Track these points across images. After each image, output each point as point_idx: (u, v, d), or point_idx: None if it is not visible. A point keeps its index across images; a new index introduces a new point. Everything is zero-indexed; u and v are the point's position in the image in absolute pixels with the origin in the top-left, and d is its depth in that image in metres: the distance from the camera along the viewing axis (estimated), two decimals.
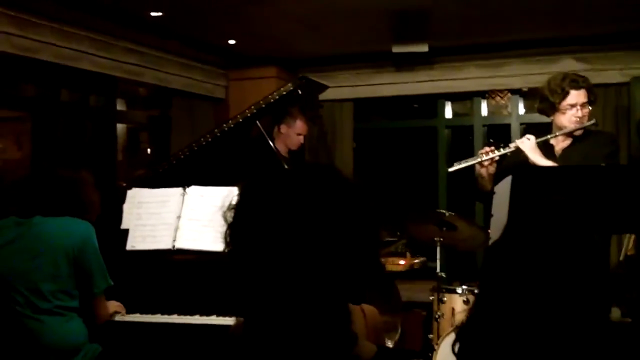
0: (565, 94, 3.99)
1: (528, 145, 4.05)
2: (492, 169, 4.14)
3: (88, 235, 3.31)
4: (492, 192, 3.98)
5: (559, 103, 4.00)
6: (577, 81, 4.01)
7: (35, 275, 3.19)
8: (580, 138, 4.10)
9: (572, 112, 3.99)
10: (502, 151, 4.12)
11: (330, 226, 1.25)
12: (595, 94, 4.11)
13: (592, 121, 4.05)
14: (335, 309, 1.27)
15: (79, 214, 3.36)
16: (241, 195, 1.31)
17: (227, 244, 1.30)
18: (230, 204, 1.31)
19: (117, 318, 3.61)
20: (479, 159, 4.13)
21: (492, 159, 4.11)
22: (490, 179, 4.13)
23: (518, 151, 4.09)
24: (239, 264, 1.28)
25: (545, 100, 4.08)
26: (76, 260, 3.24)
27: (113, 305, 3.60)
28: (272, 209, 1.26)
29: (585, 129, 4.05)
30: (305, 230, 1.24)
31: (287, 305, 1.24)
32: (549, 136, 4.10)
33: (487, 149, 4.17)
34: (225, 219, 1.30)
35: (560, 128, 4.08)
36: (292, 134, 5.18)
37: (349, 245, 1.26)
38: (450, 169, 4.29)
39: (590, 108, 4.04)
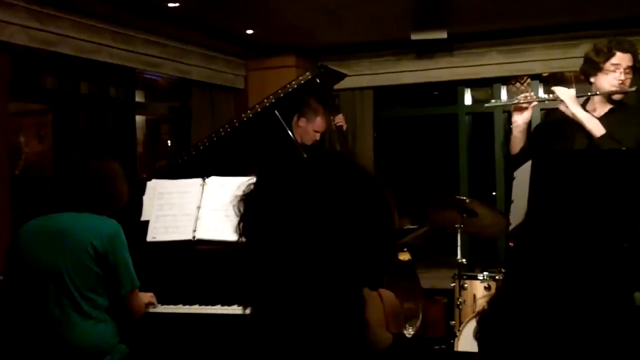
0: (610, 55, 3.98)
1: (568, 94, 4.03)
2: (527, 115, 4.14)
3: (116, 236, 3.29)
4: (524, 152, 4.02)
5: (604, 63, 3.99)
6: (623, 44, 4.01)
7: (63, 274, 3.18)
8: (617, 109, 4.07)
9: (616, 75, 3.97)
10: (541, 96, 4.16)
11: (343, 212, 1.24)
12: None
13: (633, 88, 4.03)
14: (348, 296, 1.26)
15: (109, 206, 3.36)
16: (256, 182, 1.31)
17: (241, 231, 1.30)
18: (242, 195, 1.31)
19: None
20: (517, 100, 4.15)
21: (529, 102, 4.11)
22: (524, 132, 4.15)
23: (557, 111, 4.10)
24: (253, 251, 1.28)
25: (589, 61, 4.08)
26: (103, 260, 3.22)
27: (146, 297, 3.60)
28: (286, 196, 1.26)
29: (625, 93, 4.04)
30: (318, 217, 1.23)
31: (301, 292, 1.23)
32: (589, 94, 4.10)
33: (526, 93, 4.19)
34: (238, 209, 1.30)
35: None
36: (310, 129, 5.17)
37: (362, 231, 1.26)
38: (487, 104, 4.41)
39: (631, 75, 4.02)
